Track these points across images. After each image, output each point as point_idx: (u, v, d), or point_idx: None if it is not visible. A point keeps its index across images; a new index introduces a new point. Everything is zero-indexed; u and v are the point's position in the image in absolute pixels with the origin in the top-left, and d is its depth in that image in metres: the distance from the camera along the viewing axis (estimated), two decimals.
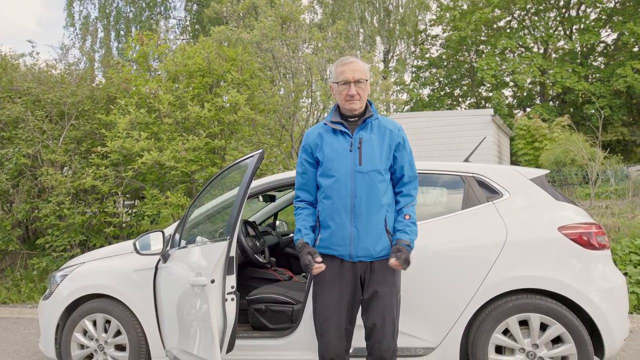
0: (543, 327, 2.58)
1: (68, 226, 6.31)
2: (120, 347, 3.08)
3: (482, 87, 21.91)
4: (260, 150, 2.51)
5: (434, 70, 22.73)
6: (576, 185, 10.46)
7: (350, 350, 2.36)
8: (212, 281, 2.34)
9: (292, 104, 6.98)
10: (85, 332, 3.12)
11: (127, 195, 7.12)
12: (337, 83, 2.22)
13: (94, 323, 3.10)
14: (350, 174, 2.17)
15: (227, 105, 6.22)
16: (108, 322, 3.09)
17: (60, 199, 6.18)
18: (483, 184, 2.87)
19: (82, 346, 3.12)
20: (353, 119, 2.25)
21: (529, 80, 19.62)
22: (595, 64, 19.81)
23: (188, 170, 5.71)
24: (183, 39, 20.96)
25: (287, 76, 7.64)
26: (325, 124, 2.29)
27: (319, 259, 2.16)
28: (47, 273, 6.48)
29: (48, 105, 6.84)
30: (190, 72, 6.34)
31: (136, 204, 7.16)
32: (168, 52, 7.06)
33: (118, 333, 3.06)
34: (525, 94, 21.84)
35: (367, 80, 2.21)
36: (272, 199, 4.30)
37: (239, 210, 2.39)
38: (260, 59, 7.09)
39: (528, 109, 20.68)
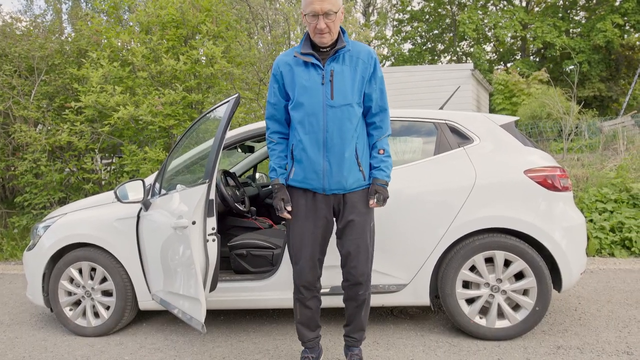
0: (507, 263, 2.76)
1: (46, 184, 6.25)
2: (107, 293, 3.17)
3: (463, 42, 21.73)
4: (235, 95, 2.51)
5: (415, 24, 22.36)
6: (551, 139, 10.73)
7: (328, 290, 2.48)
8: (194, 222, 2.41)
9: (270, 57, 6.87)
10: (71, 280, 3.19)
11: (106, 154, 7.04)
12: (306, 15, 2.14)
13: (80, 271, 3.16)
14: (322, 108, 2.15)
15: (203, 58, 6.08)
16: (94, 269, 3.16)
17: (36, 156, 6.08)
18: (455, 130, 2.96)
19: (70, 293, 3.20)
20: (324, 49, 2.18)
21: (510, 35, 19.53)
22: (576, 18, 19.77)
23: (166, 125, 5.65)
24: None
25: (265, 29, 7.46)
26: (295, 55, 2.21)
27: (289, 208, 2.26)
28: (29, 231, 6.47)
29: (16, 60, 6.58)
30: (163, 24, 6.13)
31: (114, 161, 7.09)
32: (139, 3, 6.78)
33: (104, 280, 3.14)
34: (506, 48, 21.79)
35: (336, 12, 2.10)
36: (251, 150, 4.33)
37: (217, 153, 2.42)
38: (236, 10, 6.89)
39: (509, 65, 20.70)
